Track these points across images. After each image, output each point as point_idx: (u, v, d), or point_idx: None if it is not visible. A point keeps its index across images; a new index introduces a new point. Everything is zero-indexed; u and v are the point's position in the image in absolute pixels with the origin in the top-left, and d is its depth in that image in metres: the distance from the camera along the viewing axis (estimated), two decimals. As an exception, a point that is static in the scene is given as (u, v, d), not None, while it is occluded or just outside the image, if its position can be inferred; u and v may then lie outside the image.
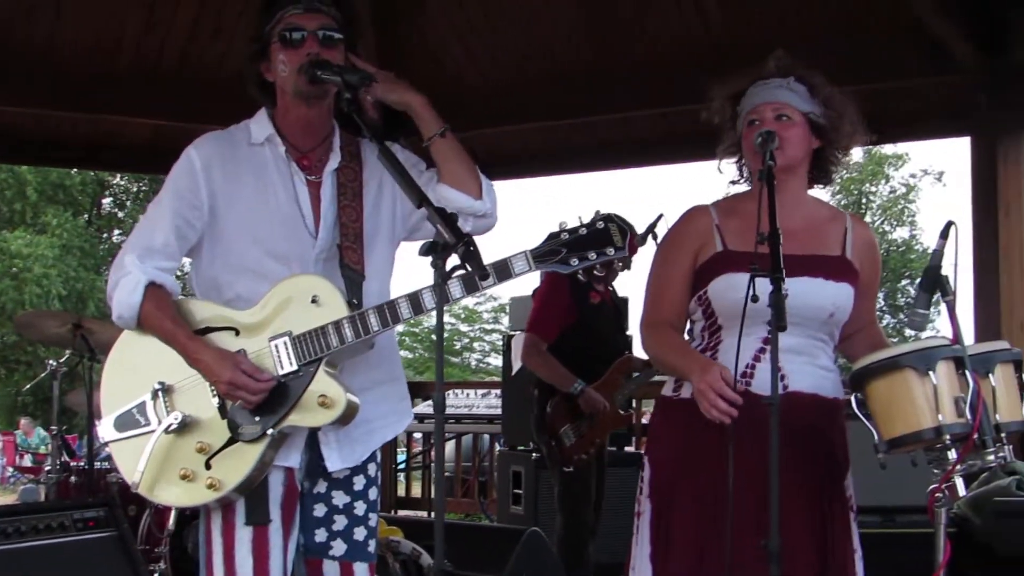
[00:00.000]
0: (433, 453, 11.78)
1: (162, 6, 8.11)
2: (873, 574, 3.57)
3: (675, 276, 3.59)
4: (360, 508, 3.40)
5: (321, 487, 3.36)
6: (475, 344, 42.21)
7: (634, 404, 8.65)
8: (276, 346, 3.15)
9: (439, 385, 2.91)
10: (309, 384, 3.13)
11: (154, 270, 3.21)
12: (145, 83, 8.45)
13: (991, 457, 3.14)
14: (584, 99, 8.43)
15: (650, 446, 3.69)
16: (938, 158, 60.39)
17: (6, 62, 8.04)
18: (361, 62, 3.35)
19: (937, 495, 3.18)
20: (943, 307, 3.28)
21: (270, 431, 3.13)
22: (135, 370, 3.28)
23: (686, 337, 3.65)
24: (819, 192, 3.73)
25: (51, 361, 7.59)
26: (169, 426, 3.17)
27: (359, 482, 3.40)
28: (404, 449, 12.97)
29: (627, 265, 6.29)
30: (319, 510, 3.36)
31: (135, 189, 37.61)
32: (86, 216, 36.57)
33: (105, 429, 3.27)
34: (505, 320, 34.91)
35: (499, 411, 9.48)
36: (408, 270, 3.73)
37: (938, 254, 3.29)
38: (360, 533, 3.39)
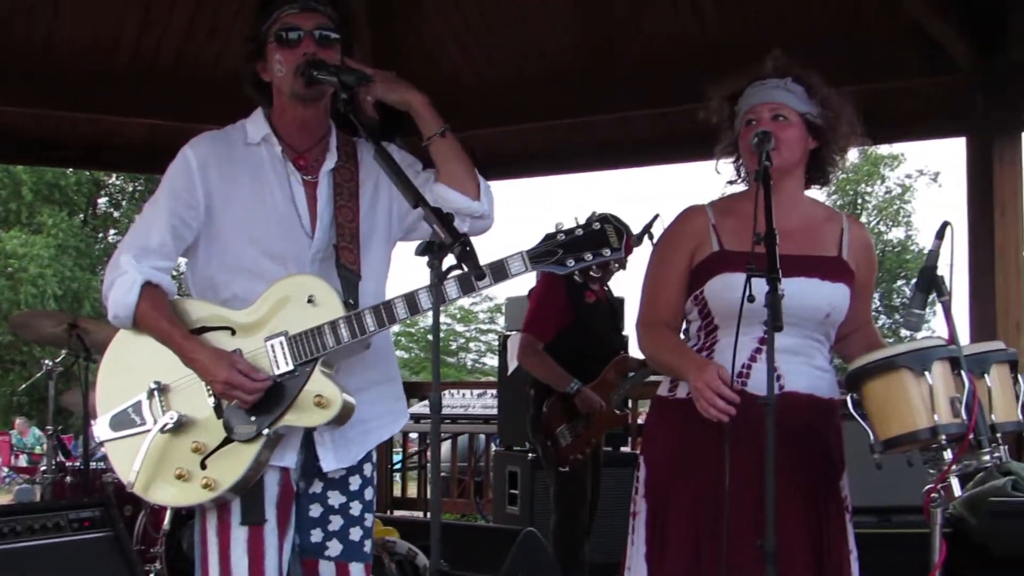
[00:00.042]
0: (429, 453, 11.78)
1: (158, 5, 8.10)
2: (869, 574, 3.58)
3: (671, 276, 3.58)
4: (356, 508, 3.40)
5: (317, 487, 3.35)
6: (471, 344, 42.21)
7: (630, 404, 8.65)
8: (272, 346, 3.15)
9: (435, 385, 2.90)
10: (305, 384, 3.12)
11: (150, 270, 3.21)
12: (141, 83, 8.45)
13: (987, 457, 3.14)
14: (582, 99, 8.44)
15: (646, 446, 3.68)
16: (934, 158, 60.51)
17: (2, 61, 8.04)
18: (356, 63, 3.35)
19: (933, 495, 3.18)
20: (939, 307, 3.28)
21: (266, 431, 3.12)
22: (131, 370, 3.28)
23: (682, 337, 3.65)
24: (815, 192, 3.74)
25: (47, 361, 7.58)
26: (165, 426, 3.17)
27: (355, 482, 3.40)
28: (400, 449, 12.96)
29: (623, 265, 6.29)
30: (315, 510, 3.36)
31: (131, 189, 37.60)
32: (82, 216, 36.56)
33: (100, 428, 3.27)
34: (501, 320, 34.88)
35: (495, 411, 9.46)
36: (404, 270, 3.73)
37: (934, 254, 3.29)
38: (356, 533, 3.39)
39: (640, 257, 4.19)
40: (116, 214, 38.21)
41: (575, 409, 6.32)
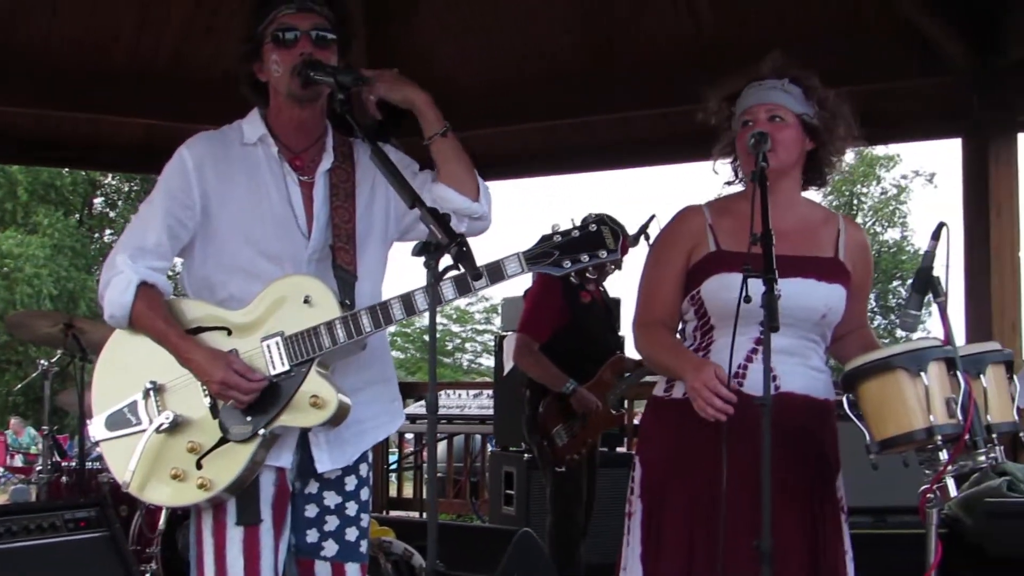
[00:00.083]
0: (425, 453, 11.76)
1: (155, 6, 8.11)
2: (864, 575, 3.58)
3: (668, 276, 3.58)
4: (352, 508, 3.39)
5: (312, 487, 3.35)
6: (467, 345, 42.21)
7: (626, 404, 8.65)
8: (268, 346, 3.15)
9: (432, 385, 2.90)
10: (301, 384, 3.12)
11: (146, 270, 3.21)
12: (138, 83, 8.45)
13: (982, 458, 3.15)
14: (580, 99, 8.46)
15: (641, 446, 3.68)
16: (929, 159, 60.66)
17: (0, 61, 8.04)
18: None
19: (928, 496, 3.19)
20: (935, 308, 3.28)
21: (261, 431, 3.12)
22: (126, 369, 3.27)
23: (678, 337, 3.65)
24: (811, 193, 3.74)
25: (42, 361, 7.57)
26: (160, 426, 3.17)
27: (351, 482, 3.40)
28: (396, 450, 12.97)
29: (619, 266, 6.31)
30: (311, 510, 3.35)
31: (126, 189, 37.54)
32: (77, 216, 36.50)
33: (96, 428, 3.27)
34: (497, 321, 34.91)
35: (491, 411, 9.48)
36: (401, 270, 3.73)
37: (930, 255, 3.30)
38: (352, 534, 3.38)
39: (636, 258, 4.19)
40: (112, 214, 38.17)
41: (571, 409, 6.31)
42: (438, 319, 2.94)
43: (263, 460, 3.18)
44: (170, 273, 3.37)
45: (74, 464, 7.19)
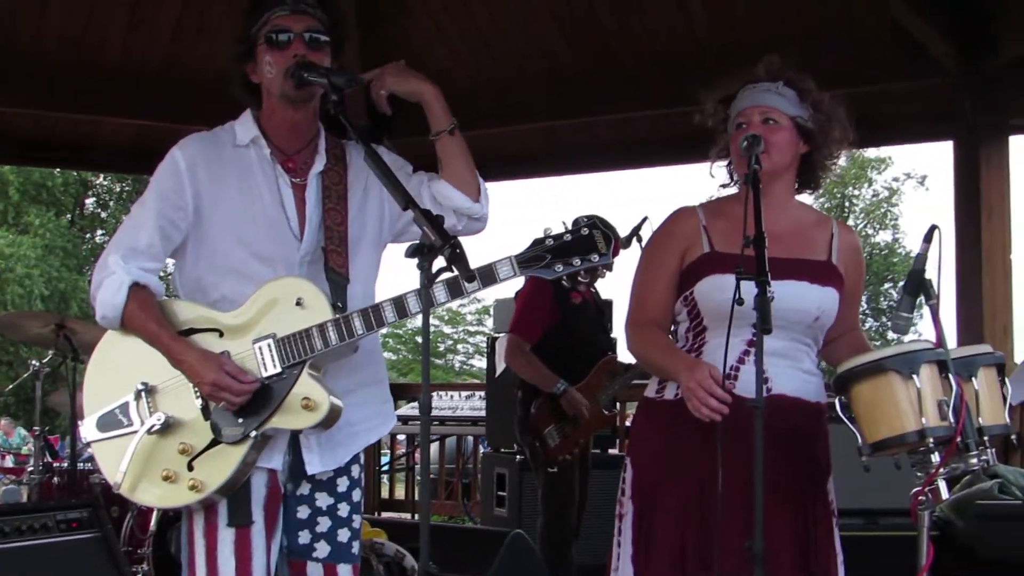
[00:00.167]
0: (417, 455, 11.75)
1: (146, 6, 8.10)
2: (856, 577, 3.59)
3: (661, 276, 3.58)
4: (344, 510, 3.40)
5: (304, 489, 3.35)
6: (459, 346, 42.16)
7: (618, 406, 8.65)
8: (260, 348, 3.14)
9: (425, 387, 2.90)
10: (292, 386, 3.12)
11: (138, 271, 3.20)
12: (129, 83, 8.44)
13: (974, 460, 3.15)
14: (577, 100, 8.45)
15: (633, 447, 3.68)
16: (921, 162, 60.66)
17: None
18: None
19: (920, 498, 3.19)
20: (926, 311, 3.28)
21: (253, 433, 3.12)
22: (118, 370, 3.27)
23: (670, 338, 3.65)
24: (802, 195, 3.74)
25: (34, 361, 7.55)
26: (152, 427, 3.16)
27: (343, 484, 3.40)
28: (388, 451, 12.95)
29: (610, 268, 6.31)
30: (302, 512, 3.35)
31: (118, 189, 37.48)
32: (69, 216, 36.44)
33: (87, 429, 3.27)
34: (489, 322, 34.88)
35: (483, 413, 9.46)
36: (394, 272, 3.73)
37: (922, 258, 3.29)
38: (344, 535, 3.39)
39: (628, 259, 4.19)
40: (104, 215, 38.10)
41: (563, 410, 6.32)
42: (430, 320, 2.94)
43: (255, 462, 3.17)
44: (162, 274, 3.36)
45: (66, 465, 7.18)
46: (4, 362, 31.76)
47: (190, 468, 3.15)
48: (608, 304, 7.36)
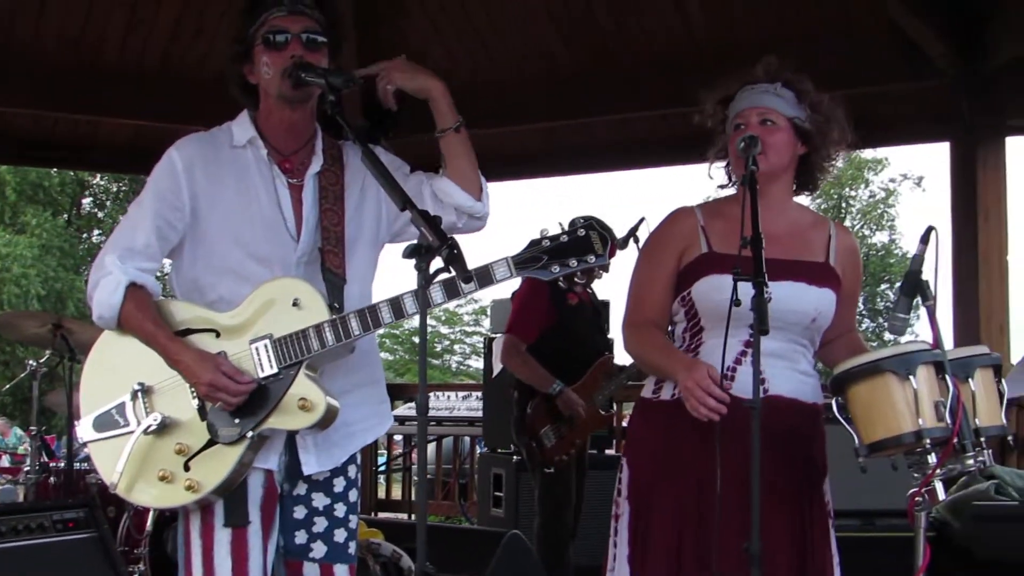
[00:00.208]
0: (414, 455, 11.75)
1: (144, 6, 8.09)
2: (852, 578, 3.59)
3: (659, 276, 3.58)
4: (340, 510, 3.39)
5: (301, 489, 3.35)
6: (456, 346, 42.14)
7: (615, 407, 8.65)
8: (257, 348, 3.14)
9: (422, 388, 2.90)
10: (289, 387, 3.12)
11: (135, 271, 3.20)
12: (128, 83, 8.44)
13: (971, 461, 3.16)
14: (575, 100, 8.45)
15: (629, 448, 3.68)
16: (918, 163, 60.64)
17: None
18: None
19: (917, 499, 3.19)
20: (923, 312, 3.28)
21: (249, 433, 3.12)
22: (115, 371, 3.27)
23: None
24: (802, 198, 3.74)
25: (31, 361, 7.55)
26: (148, 427, 3.16)
27: (339, 484, 3.40)
28: (385, 451, 12.96)
29: (606, 269, 6.32)
30: (299, 512, 3.35)
31: (115, 189, 37.43)
32: (66, 216, 36.40)
33: (84, 429, 3.27)
34: (486, 323, 34.86)
35: (480, 413, 9.47)
36: (391, 272, 3.73)
37: (919, 259, 3.30)
38: (340, 535, 3.38)
39: (625, 260, 4.19)
40: (100, 214, 38.06)
41: (559, 411, 6.32)
42: (427, 321, 2.94)
43: (251, 462, 3.17)
44: (159, 274, 3.36)
45: (62, 465, 7.18)
46: (1, 362, 31.74)
47: (186, 468, 3.15)
48: (605, 305, 7.36)
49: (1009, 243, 7.28)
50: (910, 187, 46.28)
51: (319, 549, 3.35)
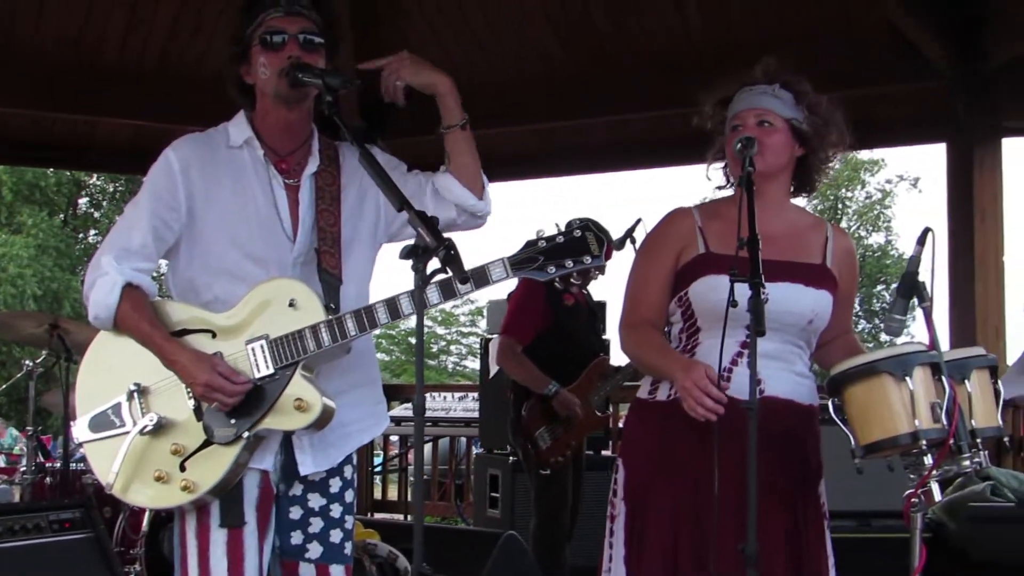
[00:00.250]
0: (410, 456, 11.73)
1: (143, 6, 8.09)
2: (847, 579, 3.59)
3: (656, 276, 3.58)
4: (336, 511, 3.39)
5: (297, 490, 3.35)
6: (452, 347, 42.16)
7: (611, 408, 8.66)
8: (253, 349, 3.14)
9: (419, 388, 2.90)
10: (285, 387, 3.12)
11: (131, 271, 3.20)
12: (127, 83, 8.44)
13: (967, 463, 3.16)
14: (574, 101, 8.46)
15: (625, 448, 3.67)
16: (914, 164, 60.69)
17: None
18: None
19: (913, 500, 3.19)
20: (919, 313, 3.29)
21: (245, 434, 3.12)
22: (111, 371, 3.27)
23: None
24: (797, 199, 3.74)
25: (27, 361, 7.52)
26: (144, 427, 3.16)
27: (335, 484, 3.40)
28: (381, 452, 12.95)
29: (602, 271, 6.32)
30: (295, 512, 3.35)
31: (111, 189, 37.42)
32: (62, 216, 36.38)
33: (80, 430, 3.27)
34: (482, 323, 34.90)
35: (476, 414, 9.47)
36: (388, 272, 3.72)
37: (915, 260, 3.30)
38: (336, 535, 3.38)
39: (622, 261, 4.19)
40: (97, 214, 38.04)
41: (554, 412, 6.32)
42: (423, 321, 2.94)
43: (247, 463, 3.17)
44: (155, 275, 3.36)
45: (58, 465, 7.16)
46: (-4, 362, 31.72)
47: (182, 469, 3.15)
48: (601, 306, 7.36)
49: (1005, 244, 7.29)
50: (906, 188, 46.46)
51: (315, 550, 3.34)
